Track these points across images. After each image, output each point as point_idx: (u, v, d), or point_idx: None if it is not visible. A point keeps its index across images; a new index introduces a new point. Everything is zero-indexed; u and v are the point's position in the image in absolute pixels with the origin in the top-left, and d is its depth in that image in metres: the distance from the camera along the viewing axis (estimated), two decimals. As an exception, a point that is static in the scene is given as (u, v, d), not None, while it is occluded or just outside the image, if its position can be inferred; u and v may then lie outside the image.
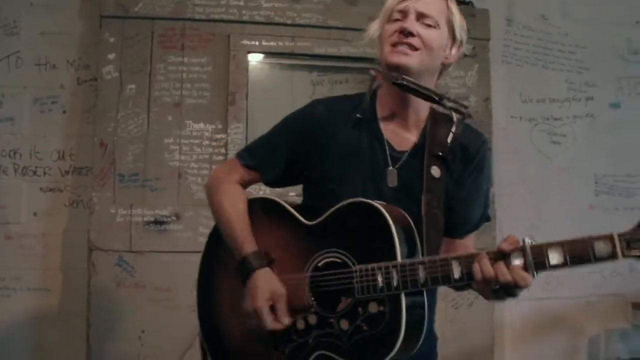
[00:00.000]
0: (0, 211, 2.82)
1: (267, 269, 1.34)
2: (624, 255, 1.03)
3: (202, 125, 2.85)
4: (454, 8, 1.42)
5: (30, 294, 2.83)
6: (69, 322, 2.80)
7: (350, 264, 1.26)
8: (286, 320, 1.29)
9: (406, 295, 1.20)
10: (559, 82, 3.30)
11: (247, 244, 1.37)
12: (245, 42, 2.90)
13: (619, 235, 1.03)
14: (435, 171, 1.35)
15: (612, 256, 1.03)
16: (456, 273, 1.16)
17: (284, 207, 1.42)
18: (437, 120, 1.38)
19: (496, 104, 3.14)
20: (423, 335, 1.24)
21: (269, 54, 2.98)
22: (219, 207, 1.45)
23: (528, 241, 1.10)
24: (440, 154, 1.34)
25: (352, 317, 1.24)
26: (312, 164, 1.40)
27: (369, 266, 1.22)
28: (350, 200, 1.29)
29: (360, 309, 1.23)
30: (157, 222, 2.77)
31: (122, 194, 2.75)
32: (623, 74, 3.36)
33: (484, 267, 1.12)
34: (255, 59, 2.97)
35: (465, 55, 3.01)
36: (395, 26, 1.31)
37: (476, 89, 3.09)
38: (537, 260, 1.09)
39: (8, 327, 2.80)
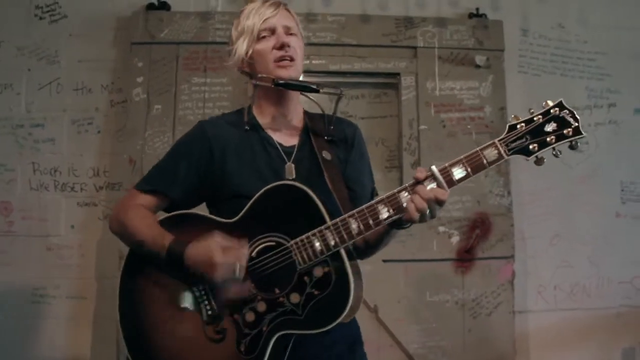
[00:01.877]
0: (42, 224, 3.06)
1: (194, 242, 1.36)
2: (507, 154, 1.27)
3: (223, 141, 3.01)
4: (294, 14, 1.60)
5: (69, 302, 3.04)
6: (103, 328, 2.98)
7: (285, 242, 1.35)
8: (245, 245, 1.34)
9: (345, 249, 1.33)
10: (578, 89, 3.27)
11: (165, 237, 1.39)
12: (263, 62, 3.05)
13: (499, 141, 1.28)
14: (327, 155, 1.51)
15: (500, 157, 1.28)
16: (384, 213, 1.31)
17: (197, 214, 1.47)
18: (312, 117, 1.60)
19: (513, 113, 3.12)
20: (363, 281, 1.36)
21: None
22: (129, 226, 1.45)
23: (434, 167, 1.29)
24: (326, 137, 1.54)
25: (300, 288, 1.34)
26: (214, 177, 1.48)
27: (304, 236, 1.34)
28: (265, 188, 1.38)
29: (306, 278, 1.34)
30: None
31: (150, 207, 2.93)
32: (646, 79, 3.29)
33: (416, 200, 1.27)
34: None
35: (478, 67, 3.10)
36: (270, 43, 1.48)
37: (491, 99, 3.11)
38: (446, 179, 1.28)
39: (48, 332, 3.01)
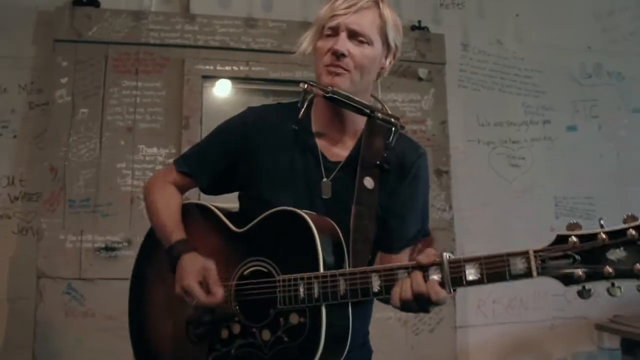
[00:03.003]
0: (-55, 239, 2.73)
1: (194, 253, 1.30)
2: (538, 274, 0.99)
3: (155, 149, 2.81)
4: (387, 13, 1.34)
5: (-27, 327, 2.72)
6: (15, 357, 2.68)
7: (275, 274, 1.23)
8: (219, 291, 1.23)
9: (329, 307, 1.17)
10: (516, 105, 3.34)
11: (177, 232, 1.35)
12: (200, 66, 2.90)
13: (535, 252, 0.99)
14: (369, 182, 1.32)
15: (528, 274, 1.00)
16: (375, 286, 1.13)
17: (214, 212, 1.42)
18: (373, 131, 1.36)
19: (453, 127, 3.15)
20: (346, 350, 1.20)
21: (223, 78, 2.97)
22: (153, 203, 1.44)
23: (446, 256, 1.06)
24: (377, 162, 1.32)
25: (273, 328, 1.22)
26: (246, 171, 1.38)
27: (292, 276, 1.20)
28: (278, 208, 1.26)
29: (282, 320, 1.21)
30: (108, 249, 2.70)
31: (72, 219, 2.68)
32: (578, 98, 3.41)
33: (404, 287, 1.08)
34: (210, 83, 2.96)
35: (420, 79, 3.07)
36: (328, 44, 1.28)
37: (432, 112, 3.10)
38: (454, 276, 1.05)
39: (-51, 361, 2.68)
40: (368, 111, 1.29)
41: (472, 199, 3.19)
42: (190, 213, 1.44)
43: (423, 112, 3.09)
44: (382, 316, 2.89)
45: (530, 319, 3.22)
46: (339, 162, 1.35)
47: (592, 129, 3.41)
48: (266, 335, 1.22)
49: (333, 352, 1.20)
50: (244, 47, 2.93)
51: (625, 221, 0.91)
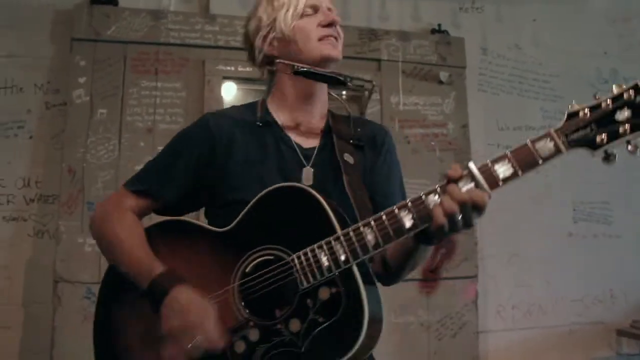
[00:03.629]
0: (-42, 242, 2.65)
1: (183, 286, 1.14)
2: (567, 148, 1.02)
3: (175, 150, 2.75)
4: None
5: (-12, 332, 2.64)
6: (31, 362, 2.61)
7: (285, 256, 1.11)
8: (221, 340, 1.10)
9: (357, 266, 1.08)
10: (534, 110, 3.33)
11: (155, 265, 1.18)
12: (221, 67, 2.85)
13: (555, 130, 1.03)
14: (349, 158, 1.30)
15: (558, 150, 1.02)
16: (407, 222, 1.04)
17: (187, 222, 1.27)
18: (336, 117, 1.38)
19: (474, 131, 3.13)
20: (383, 312, 1.11)
21: (244, 79, 2.92)
22: (113, 236, 1.25)
23: (471, 163, 1.04)
24: (351, 141, 1.32)
25: (301, 314, 1.08)
26: (216, 175, 1.28)
27: (308, 249, 1.09)
28: (264, 191, 1.16)
29: (309, 301, 1.08)
30: (128, 252, 2.63)
31: (91, 222, 2.62)
32: (595, 103, 3.40)
33: (446, 203, 1.01)
34: (230, 84, 2.91)
35: (441, 83, 3.06)
36: (316, 20, 1.30)
37: (454, 116, 3.09)
38: (488, 179, 1.02)
39: (-38, 368, 2.60)
40: (342, 78, 1.29)
41: (491, 203, 3.15)
42: (158, 234, 1.27)
43: (444, 116, 3.07)
44: (405, 321, 2.86)
45: (549, 325, 3.21)
46: (314, 148, 1.31)
47: (609, 134, 3.40)
48: (295, 325, 1.08)
49: (376, 312, 1.09)
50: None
51: (617, 89, 1.01)
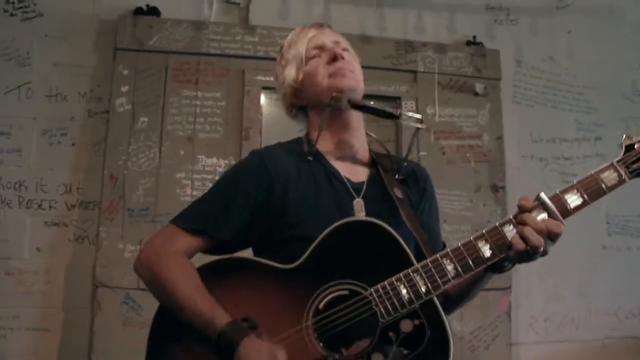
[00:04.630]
0: (2, 245, 2.70)
1: (253, 337, 1.10)
2: (629, 177, 1.12)
3: (215, 160, 2.79)
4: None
5: (29, 334, 2.68)
6: (71, 366, 2.66)
7: (362, 290, 1.13)
8: None
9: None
10: (568, 122, 3.32)
11: (219, 316, 1.13)
12: (260, 77, 2.89)
13: (616, 162, 1.13)
14: (398, 192, 1.32)
15: (622, 180, 1.12)
16: (486, 251, 1.10)
17: (250, 260, 1.24)
18: (379, 156, 1.41)
19: (508, 143, 3.14)
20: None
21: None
22: (169, 282, 1.19)
23: (542, 194, 1.11)
24: (396, 177, 1.36)
25: (384, 347, 1.10)
26: (275, 214, 1.27)
27: (385, 282, 1.11)
28: (331, 227, 1.17)
29: (391, 334, 1.10)
30: (167, 259, 2.67)
31: (131, 229, 2.66)
32: (630, 115, 3.39)
33: (526, 232, 1.08)
34: (270, 94, 2.95)
35: (476, 94, 3.07)
36: (321, 60, 1.33)
37: (488, 127, 3.09)
38: (560, 208, 1.10)
39: (3, 369, 2.65)
40: (395, 112, 1.33)
41: (525, 215, 3.17)
42: (219, 270, 1.23)
43: (479, 127, 3.08)
44: (438, 332, 2.86)
45: (582, 338, 3.18)
46: (363, 182, 1.34)
47: (645, 146, 3.39)
48: (378, 358, 1.10)
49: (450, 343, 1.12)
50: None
51: None
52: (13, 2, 2.82)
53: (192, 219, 1.28)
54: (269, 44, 2.91)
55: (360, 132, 1.40)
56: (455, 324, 2.88)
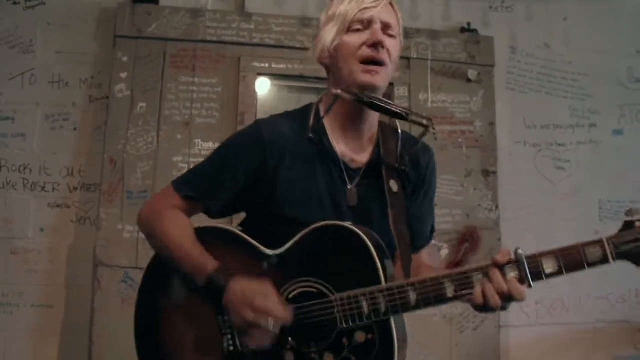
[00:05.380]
0: (8, 226, 2.82)
1: (241, 277, 1.19)
2: (614, 259, 1.05)
3: (211, 144, 2.87)
4: (400, 12, 1.37)
5: (34, 310, 2.81)
6: (72, 340, 2.77)
7: (328, 293, 1.18)
8: (287, 312, 1.16)
9: (394, 319, 1.17)
10: (562, 108, 3.35)
11: (209, 262, 1.22)
12: (255, 64, 2.96)
13: (607, 239, 1.05)
14: (394, 185, 1.33)
15: (605, 260, 1.05)
16: (449, 292, 1.13)
17: (239, 236, 1.30)
18: (386, 133, 1.37)
19: (501, 129, 3.18)
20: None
21: (278, 76, 3.03)
22: (164, 234, 1.29)
23: (521, 252, 1.09)
24: (396, 165, 1.34)
25: (336, 350, 1.17)
26: (265, 188, 1.30)
27: (351, 293, 1.16)
28: (319, 224, 1.22)
29: (345, 340, 1.17)
30: (164, 239, 2.77)
31: (130, 210, 2.75)
32: (625, 102, 3.41)
33: (487, 289, 1.08)
34: (264, 80, 3.02)
35: (469, 81, 3.11)
36: (361, 38, 1.25)
37: (481, 114, 3.13)
38: (533, 271, 1.08)
39: (10, 343, 2.77)
40: (404, 114, 1.27)
41: (518, 200, 3.22)
42: (208, 239, 1.29)
43: (472, 114, 3.12)
44: (428, 314, 2.93)
45: (572, 322, 3.23)
46: (360, 169, 1.33)
47: (639, 133, 3.41)
48: (328, 358, 1.17)
49: (405, 353, 1.20)
50: (298, 45, 2.99)
51: None
52: (17, -9, 2.92)
53: (187, 186, 1.34)
54: (264, 32, 2.98)
55: (373, 122, 1.36)
56: (444, 306, 2.93)
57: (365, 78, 1.24)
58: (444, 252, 2.97)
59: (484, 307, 1.10)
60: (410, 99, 3.05)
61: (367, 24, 1.25)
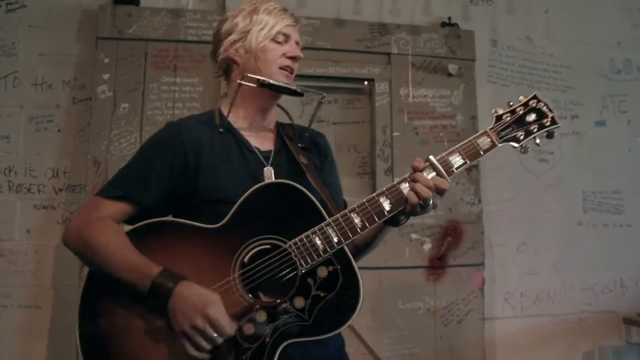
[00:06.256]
0: (-6, 228, 2.85)
1: (187, 281, 1.23)
2: (499, 142, 1.35)
3: (193, 143, 2.89)
4: None
5: (21, 311, 2.83)
6: (60, 339, 2.80)
7: (281, 244, 1.27)
8: (232, 326, 1.21)
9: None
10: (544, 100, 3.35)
11: (151, 266, 1.24)
12: (236, 62, 2.97)
13: (490, 130, 1.36)
14: (304, 159, 1.47)
15: (494, 145, 1.35)
16: (386, 206, 1.29)
17: (177, 222, 1.34)
18: (283, 126, 1.57)
19: (482, 122, 3.18)
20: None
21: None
22: (98, 245, 1.28)
23: (431, 157, 1.31)
24: (299, 145, 1.52)
25: (304, 291, 1.26)
26: (189, 182, 1.37)
27: (302, 235, 1.27)
28: (253, 187, 1.30)
29: (310, 280, 1.26)
30: (148, 238, 2.80)
31: (114, 210, 2.78)
32: (607, 93, 3.42)
33: (416, 186, 1.27)
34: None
35: (450, 75, 3.13)
36: (283, 49, 1.47)
37: (462, 107, 3.15)
38: (445, 168, 1.30)
39: (-2, 344, 2.81)
40: (299, 90, 1.48)
41: (501, 193, 3.24)
42: (146, 233, 1.32)
43: (453, 107, 3.14)
44: (412, 307, 2.96)
45: (558, 313, 3.26)
46: (271, 150, 1.48)
47: (621, 124, 3.43)
48: (299, 302, 1.25)
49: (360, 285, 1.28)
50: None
51: (523, 99, 1.44)
52: (-3, -5, 2.94)
53: (114, 187, 1.39)
54: (244, 30, 2.99)
55: (274, 111, 1.55)
56: (429, 299, 2.98)
57: (282, 79, 1.46)
58: (427, 246, 2.99)
59: (419, 205, 1.27)
60: (391, 94, 3.07)
61: (287, 38, 1.48)
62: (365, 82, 3.10)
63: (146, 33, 2.93)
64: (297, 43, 1.51)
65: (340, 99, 3.17)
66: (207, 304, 1.19)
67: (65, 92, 2.96)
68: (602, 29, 3.44)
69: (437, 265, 2.98)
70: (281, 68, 1.46)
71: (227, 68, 1.54)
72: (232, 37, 1.48)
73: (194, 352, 1.20)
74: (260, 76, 1.44)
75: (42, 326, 2.83)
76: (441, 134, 3.10)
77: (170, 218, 1.38)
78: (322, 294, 1.25)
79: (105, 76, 2.87)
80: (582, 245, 3.30)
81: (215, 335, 1.19)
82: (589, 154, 3.37)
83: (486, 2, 3.35)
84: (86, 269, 2.68)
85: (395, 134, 3.05)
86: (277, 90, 1.47)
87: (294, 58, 1.48)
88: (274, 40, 1.46)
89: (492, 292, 3.15)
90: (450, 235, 3.00)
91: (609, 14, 3.48)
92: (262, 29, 1.45)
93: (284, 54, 1.46)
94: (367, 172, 3.12)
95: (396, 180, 1.32)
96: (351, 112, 3.17)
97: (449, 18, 3.23)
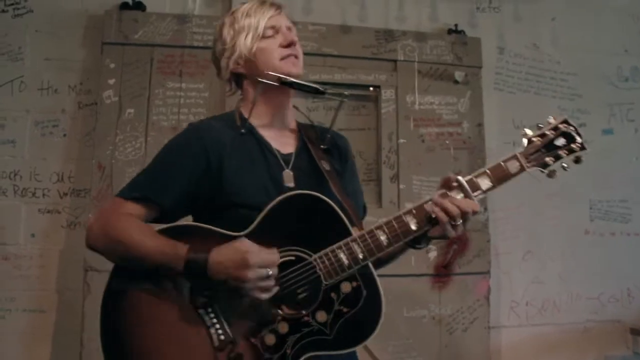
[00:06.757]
0: (-1, 232, 2.86)
1: (215, 248, 1.23)
2: (528, 167, 1.33)
3: (198, 148, 2.89)
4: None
5: (25, 315, 2.83)
6: (64, 344, 2.80)
7: (306, 257, 1.26)
8: (274, 252, 1.21)
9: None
10: (551, 108, 3.33)
11: (181, 247, 1.24)
12: (242, 68, 2.97)
13: (519, 154, 1.34)
14: (325, 164, 1.45)
15: (522, 169, 1.33)
16: (413, 225, 1.27)
17: (201, 227, 1.32)
18: (305, 127, 1.54)
19: (489, 130, 3.18)
20: None
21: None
22: (126, 238, 1.28)
23: (460, 177, 1.30)
24: (321, 147, 1.50)
25: (327, 306, 1.25)
26: (210, 185, 1.36)
27: (327, 250, 1.26)
28: (280, 198, 1.29)
29: (333, 295, 1.25)
30: (153, 244, 2.79)
31: (119, 215, 2.78)
32: (614, 101, 3.40)
33: (446, 204, 1.25)
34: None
35: (456, 82, 3.12)
36: (276, 42, 1.43)
37: (469, 115, 3.14)
38: (474, 189, 1.29)
39: (2, 348, 2.80)
40: (321, 88, 1.46)
41: (507, 201, 3.22)
42: (173, 236, 1.29)
43: (459, 115, 3.12)
44: (417, 315, 2.94)
45: (564, 322, 3.23)
46: (292, 153, 1.46)
47: (629, 132, 3.41)
48: (322, 316, 1.24)
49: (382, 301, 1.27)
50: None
51: (549, 124, 1.38)
52: None
53: (134, 189, 1.38)
54: (250, 36, 2.99)
55: (291, 109, 1.52)
56: (434, 307, 2.96)
57: (289, 67, 1.42)
58: (432, 254, 2.98)
59: (448, 224, 1.25)
60: (397, 101, 3.06)
61: (276, 30, 1.44)
62: (371, 89, 3.09)
63: (152, 38, 2.93)
64: (288, 28, 1.47)
65: (346, 105, 3.14)
66: (243, 256, 1.19)
67: (70, 97, 2.97)
68: (609, 36, 3.42)
69: (442, 273, 2.97)
70: (282, 59, 1.42)
71: (237, 80, 1.52)
72: (226, 54, 1.47)
73: (265, 296, 1.22)
74: (268, 75, 1.41)
75: (46, 330, 2.83)
76: (447, 142, 3.09)
77: (194, 223, 1.37)
78: (344, 309, 1.25)
79: (111, 81, 2.87)
80: (589, 253, 3.28)
81: (270, 272, 1.20)
82: (596, 162, 3.34)
83: (493, 9, 3.34)
84: (91, 274, 2.72)
85: (401, 141, 3.04)
86: (297, 89, 1.43)
87: (290, 44, 1.44)
88: (263, 37, 1.43)
89: (497, 300, 3.13)
90: (456, 243, 2.98)
91: (616, 21, 3.47)
92: (247, 35, 1.43)
93: (279, 45, 1.43)
94: (372, 179, 3.11)
95: (423, 200, 1.30)
96: (357, 118, 3.16)
97: (456, 25, 3.22)
